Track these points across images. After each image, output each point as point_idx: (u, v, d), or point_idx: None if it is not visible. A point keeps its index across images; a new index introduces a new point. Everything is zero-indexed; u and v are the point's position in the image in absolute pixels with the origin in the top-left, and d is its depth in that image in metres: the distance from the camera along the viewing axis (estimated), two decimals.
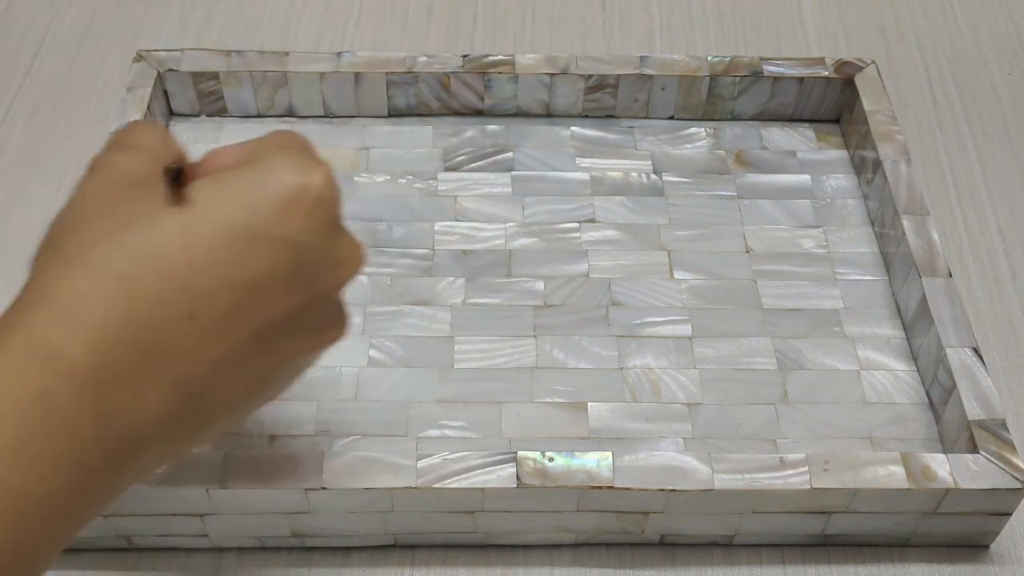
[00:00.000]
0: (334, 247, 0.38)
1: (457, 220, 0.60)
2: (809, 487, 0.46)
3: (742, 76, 0.64)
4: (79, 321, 0.33)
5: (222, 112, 0.64)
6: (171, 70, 0.62)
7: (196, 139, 0.63)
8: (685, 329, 0.56)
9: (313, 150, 0.39)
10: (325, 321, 0.39)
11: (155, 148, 0.38)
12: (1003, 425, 0.48)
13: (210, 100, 0.64)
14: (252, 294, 0.35)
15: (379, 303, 0.56)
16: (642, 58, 0.64)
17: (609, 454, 0.47)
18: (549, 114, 0.65)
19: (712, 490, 0.46)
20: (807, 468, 0.46)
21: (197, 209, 0.35)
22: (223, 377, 0.36)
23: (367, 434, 0.51)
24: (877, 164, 0.60)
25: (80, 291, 0.33)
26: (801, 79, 0.64)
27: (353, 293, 0.56)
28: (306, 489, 0.45)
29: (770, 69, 0.64)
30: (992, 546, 0.50)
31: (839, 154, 0.64)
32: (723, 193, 0.62)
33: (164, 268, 0.34)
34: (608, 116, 0.66)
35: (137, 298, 0.33)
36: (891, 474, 0.46)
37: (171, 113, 0.64)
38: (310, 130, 0.64)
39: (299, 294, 0.37)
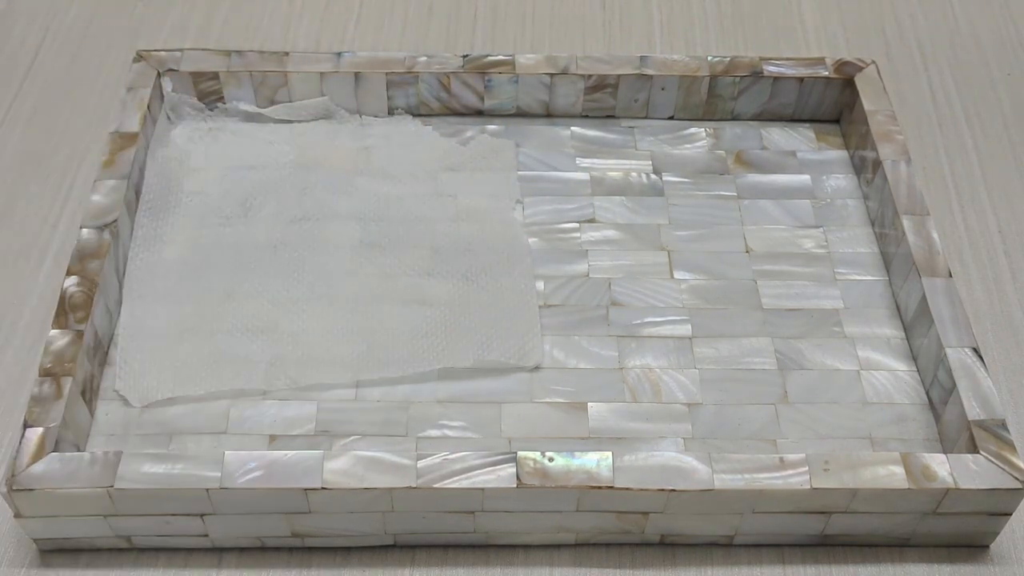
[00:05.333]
0: None
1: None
2: (809, 487, 0.46)
3: (742, 76, 0.64)
4: None
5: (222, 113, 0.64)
6: (171, 70, 0.62)
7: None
8: (685, 329, 0.56)
9: None
10: None
11: None
12: (1003, 425, 0.48)
13: (210, 100, 0.64)
14: None
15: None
16: (642, 58, 0.64)
17: (609, 454, 0.47)
18: (549, 114, 0.65)
19: (712, 490, 0.46)
20: (807, 468, 0.46)
21: None
22: None
23: (367, 434, 0.51)
24: (877, 164, 0.60)
25: None
26: (801, 79, 0.64)
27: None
28: (306, 489, 0.45)
29: (770, 69, 0.64)
30: (992, 546, 0.50)
31: (839, 154, 0.64)
32: (723, 193, 0.62)
33: None
34: (608, 116, 0.66)
35: None
36: (891, 474, 0.46)
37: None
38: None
39: None
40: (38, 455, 0.46)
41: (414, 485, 0.45)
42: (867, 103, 0.62)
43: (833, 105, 0.65)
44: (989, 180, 0.65)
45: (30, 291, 0.58)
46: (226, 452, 0.46)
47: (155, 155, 0.61)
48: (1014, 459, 0.47)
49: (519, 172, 0.63)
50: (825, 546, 0.50)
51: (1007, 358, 0.57)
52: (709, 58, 0.64)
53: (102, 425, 0.51)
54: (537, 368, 0.54)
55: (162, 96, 0.63)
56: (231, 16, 0.74)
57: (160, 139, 0.62)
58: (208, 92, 0.63)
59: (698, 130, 0.65)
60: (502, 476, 0.46)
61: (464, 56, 0.64)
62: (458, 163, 0.63)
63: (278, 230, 0.59)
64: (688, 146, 0.64)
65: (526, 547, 0.49)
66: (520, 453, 0.46)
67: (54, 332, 0.50)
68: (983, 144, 0.67)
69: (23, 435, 0.46)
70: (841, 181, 0.63)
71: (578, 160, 0.63)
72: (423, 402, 0.52)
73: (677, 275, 0.58)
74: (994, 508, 0.47)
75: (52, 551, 0.48)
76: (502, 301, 0.56)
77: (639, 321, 0.56)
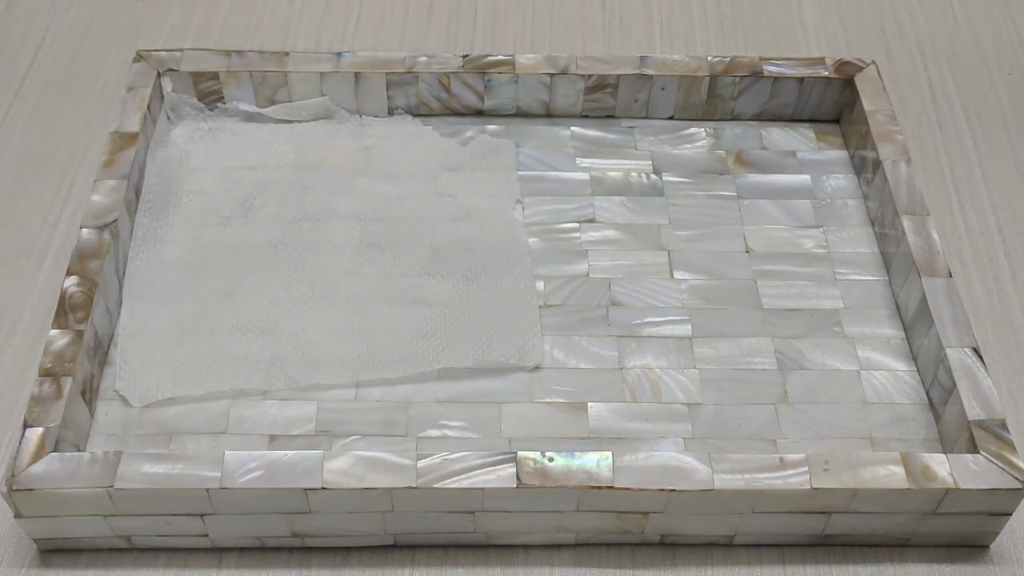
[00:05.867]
0: None
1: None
2: (809, 487, 0.46)
3: (742, 76, 0.64)
4: None
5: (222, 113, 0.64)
6: (171, 70, 0.62)
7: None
8: (685, 329, 0.56)
9: None
10: None
11: None
12: (1003, 425, 0.48)
13: (210, 100, 0.64)
14: None
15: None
16: (642, 58, 0.64)
17: (609, 454, 0.47)
18: (549, 114, 0.65)
19: (712, 490, 0.46)
20: (807, 468, 0.46)
21: None
22: None
23: (367, 434, 0.51)
24: (877, 164, 0.60)
25: None
26: (801, 79, 0.64)
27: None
28: (306, 489, 0.45)
29: (770, 69, 0.64)
30: (992, 546, 0.50)
31: (839, 154, 0.64)
32: (723, 193, 0.62)
33: None
34: (608, 116, 0.66)
35: None
36: (891, 474, 0.46)
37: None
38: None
39: None
40: (38, 455, 0.46)
41: (414, 485, 0.45)
42: (867, 103, 0.62)
43: (833, 105, 0.65)
44: (989, 180, 0.65)
45: (30, 291, 0.58)
46: (226, 452, 0.46)
47: (155, 155, 0.61)
48: (1014, 459, 0.47)
49: (519, 172, 0.63)
50: (825, 546, 0.50)
51: (1007, 358, 0.57)
52: (709, 58, 0.64)
53: (102, 425, 0.51)
54: (537, 368, 0.54)
55: (162, 96, 0.63)
56: (231, 16, 0.74)
57: (160, 139, 0.62)
58: (208, 92, 0.63)
59: (698, 130, 0.65)
60: (502, 476, 0.46)
61: (464, 56, 0.64)
62: (458, 163, 0.63)
63: (278, 230, 0.59)
64: (688, 146, 0.64)
65: (526, 547, 0.49)
66: (520, 453, 0.46)
67: (54, 332, 0.50)
68: (983, 144, 0.67)
69: (23, 435, 0.46)
70: (841, 181, 0.63)
71: (578, 160, 0.63)
72: (423, 402, 0.52)
73: (677, 275, 0.58)
74: (994, 508, 0.47)
75: (52, 551, 0.48)
76: (502, 301, 0.56)
77: (639, 321, 0.56)
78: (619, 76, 0.63)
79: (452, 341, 0.54)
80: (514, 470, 0.46)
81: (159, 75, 0.62)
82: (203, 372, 0.53)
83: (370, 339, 0.54)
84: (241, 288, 0.56)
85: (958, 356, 0.51)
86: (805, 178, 0.63)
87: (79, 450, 0.49)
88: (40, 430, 0.47)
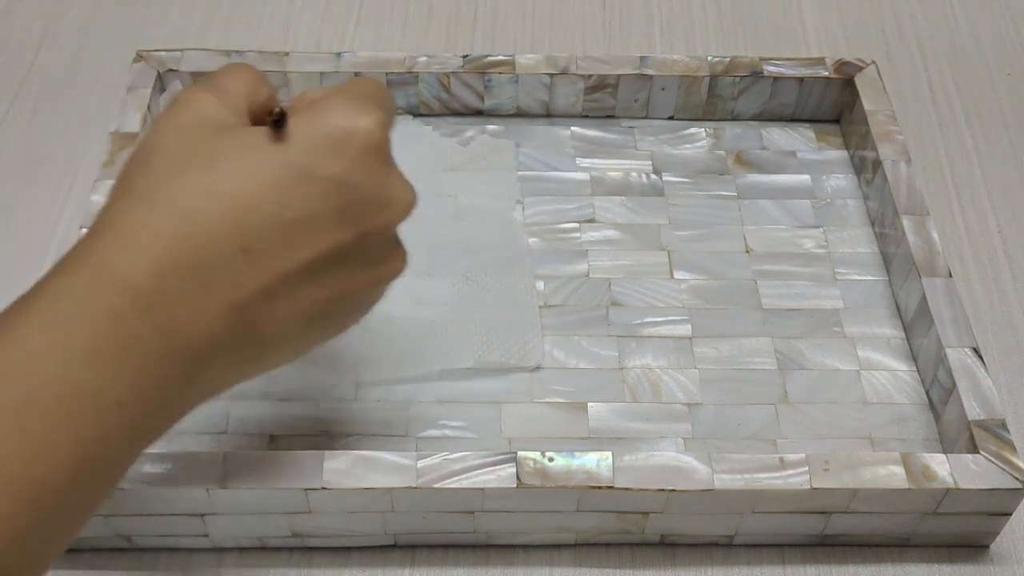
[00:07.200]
0: (383, 188, 0.40)
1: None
2: (809, 487, 0.46)
3: (742, 76, 0.64)
4: (140, 251, 0.36)
5: None
6: (171, 70, 0.62)
7: None
8: (685, 329, 0.56)
9: (376, 96, 0.41)
10: (379, 256, 0.42)
11: (242, 93, 0.41)
12: (1003, 425, 0.48)
13: None
14: (301, 230, 0.38)
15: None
16: (642, 58, 0.64)
17: (609, 454, 0.47)
18: (549, 114, 0.65)
19: (712, 490, 0.46)
20: (807, 468, 0.46)
21: (262, 150, 0.38)
22: (274, 305, 0.38)
23: (367, 434, 0.51)
24: (877, 164, 0.60)
25: (143, 225, 0.36)
26: (801, 79, 0.64)
27: None
28: (306, 489, 0.45)
29: (770, 69, 0.64)
30: (992, 546, 0.50)
31: (839, 154, 0.64)
32: (723, 193, 0.62)
33: (221, 207, 0.37)
34: (608, 116, 0.66)
35: (195, 233, 0.36)
36: (891, 474, 0.46)
37: None
38: None
39: (348, 231, 0.39)
40: None
41: (414, 485, 0.45)
42: (867, 103, 0.62)
43: (833, 105, 0.65)
44: (989, 180, 0.65)
45: None
46: (227, 452, 0.46)
47: None
48: (1014, 459, 0.47)
49: (519, 172, 0.63)
50: (825, 546, 0.50)
51: (1007, 358, 0.57)
52: (709, 58, 0.64)
53: None
54: (537, 368, 0.54)
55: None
56: (231, 16, 0.74)
57: None
58: None
59: (698, 130, 0.65)
60: (502, 476, 0.46)
61: (464, 56, 0.64)
62: (458, 163, 0.63)
63: None
64: (688, 146, 0.64)
65: (526, 547, 0.49)
66: (520, 453, 0.46)
67: None
68: (983, 144, 0.67)
69: None
70: (841, 181, 0.63)
71: (578, 160, 0.63)
72: (423, 402, 0.52)
73: (677, 275, 0.58)
74: (994, 508, 0.47)
75: None
76: (502, 301, 0.56)
77: (639, 321, 0.56)
78: (619, 76, 0.63)
79: (452, 341, 0.54)
80: (514, 470, 0.46)
81: (159, 75, 0.62)
82: None
83: (370, 339, 0.54)
84: None
85: (958, 356, 0.51)
86: (805, 178, 0.63)
87: None
88: None
